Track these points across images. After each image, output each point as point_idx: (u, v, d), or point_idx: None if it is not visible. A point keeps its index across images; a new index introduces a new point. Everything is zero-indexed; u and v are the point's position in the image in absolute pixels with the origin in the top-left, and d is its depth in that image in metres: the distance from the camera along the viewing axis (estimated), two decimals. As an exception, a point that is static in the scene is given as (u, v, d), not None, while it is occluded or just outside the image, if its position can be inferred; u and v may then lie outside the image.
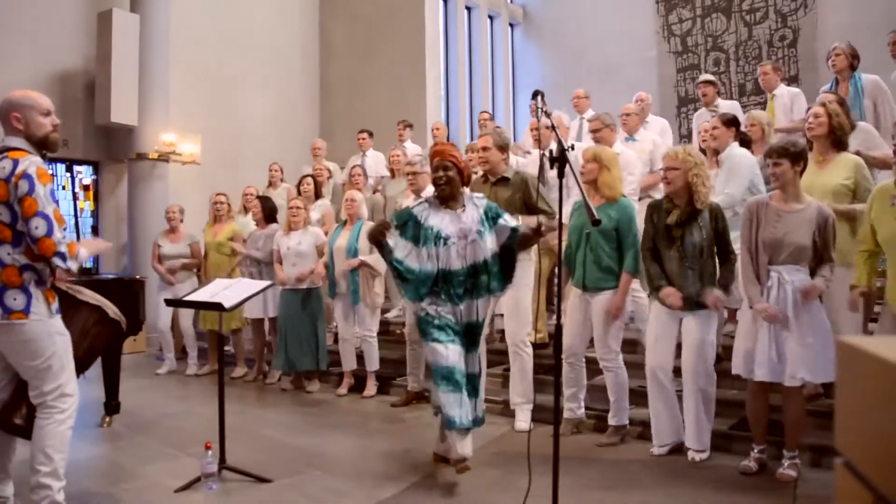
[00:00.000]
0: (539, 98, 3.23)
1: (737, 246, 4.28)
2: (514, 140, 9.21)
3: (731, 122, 5.13)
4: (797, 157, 3.86)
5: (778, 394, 3.98)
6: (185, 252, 7.60)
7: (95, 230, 10.06)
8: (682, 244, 4.24)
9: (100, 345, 4.76)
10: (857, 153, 4.49)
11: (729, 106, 7.19)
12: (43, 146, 3.30)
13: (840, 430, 0.76)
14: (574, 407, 4.91)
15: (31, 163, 3.12)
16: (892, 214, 3.47)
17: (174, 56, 9.84)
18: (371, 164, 8.93)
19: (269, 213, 7.27)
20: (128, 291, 5.59)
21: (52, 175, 3.25)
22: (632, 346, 5.50)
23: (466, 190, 4.21)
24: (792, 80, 10.53)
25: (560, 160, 2.92)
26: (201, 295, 4.48)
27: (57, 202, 3.23)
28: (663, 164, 4.38)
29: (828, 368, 3.76)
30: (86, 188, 10.03)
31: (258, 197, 7.54)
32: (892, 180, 3.60)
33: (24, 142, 3.22)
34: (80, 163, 9.83)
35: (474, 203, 4.05)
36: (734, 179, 4.89)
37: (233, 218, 7.76)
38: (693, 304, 4.23)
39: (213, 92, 10.86)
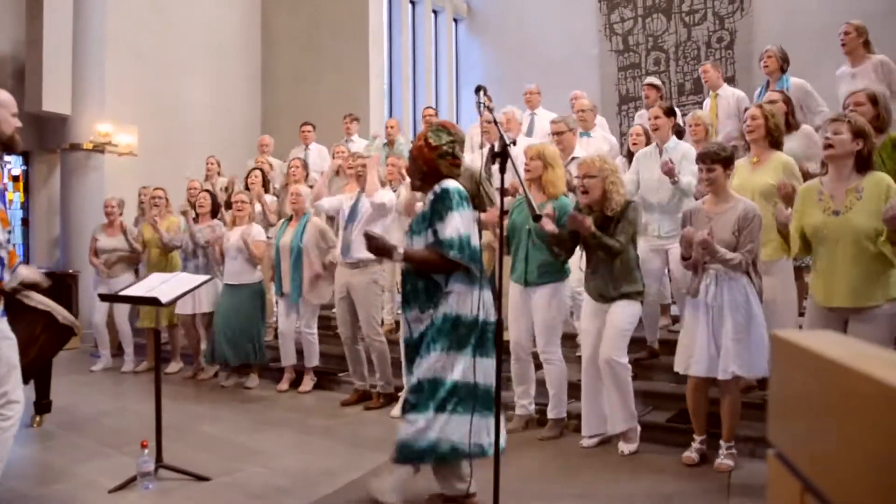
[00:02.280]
0: (481, 93, 3.22)
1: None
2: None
3: (671, 111, 5.31)
4: (728, 162, 4.03)
5: (716, 387, 4.09)
6: (122, 246, 7.41)
7: (26, 223, 9.72)
8: (595, 250, 4.35)
9: (48, 352, 4.60)
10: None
11: None
12: (7, 146, 3.19)
13: (772, 421, 0.77)
14: (526, 403, 4.94)
15: None
16: (819, 208, 3.56)
17: (110, 42, 9.53)
18: (314, 157, 8.80)
19: (215, 208, 7.13)
20: (60, 286, 5.41)
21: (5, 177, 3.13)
22: (571, 341, 5.60)
23: (448, 181, 3.41)
24: (729, 81, 10.78)
25: (502, 155, 2.92)
26: (137, 290, 4.36)
27: (5, 205, 3.11)
28: (579, 173, 4.40)
29: (760, 364, 3.89)
30: (15, 179, 9.67)
31: (206, 190, 7.34)
32: (817, 180, 3.68)
33: None
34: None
35: (430, 196, 3.42)
36: (691, 166, 4.97)
37: (171, 212, 7.56)
38: (612, 298, 4.35)
39: (152, 81, 10.56)
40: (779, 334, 0.75)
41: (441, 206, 3.29)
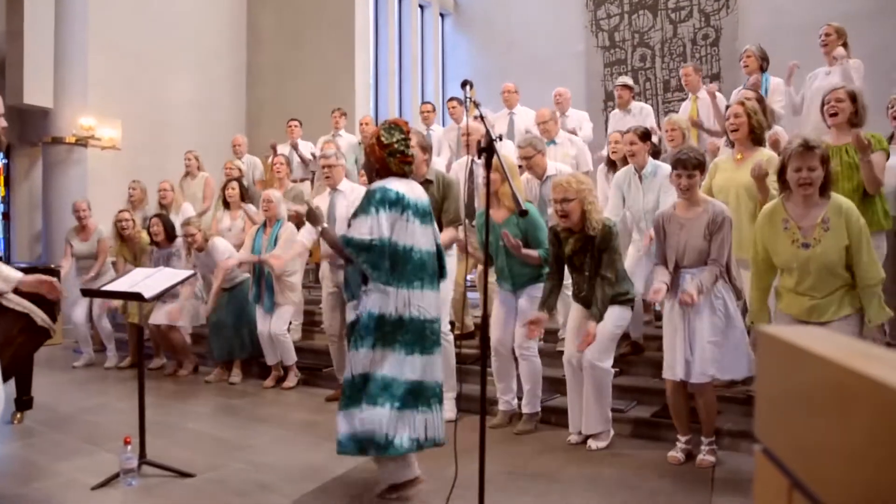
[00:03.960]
0: (468, 87, 3.21)
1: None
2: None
3: (645, 135, 5.24)
4: (703, 166, 4.06)
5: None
6: (96, 251, 7.35)
7: (7, 217, 9.61)
8: (580, 270, 4.39)
9: (25, 353, 4.55)
10: None
11: (640, 108, 7.40)
12: None
13: (759, 417, 0.77)
14: (509, 399, 4.97)
15: None
16: (787, 239, 3.50)
17: (93, 35, 9.43)
18: (301, 151, 8.80)
19: (170, 231, 6.98)
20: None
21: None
22: (553, 336, 5.63)
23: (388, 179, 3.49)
24: (714, 78, 10.86)
25: (488, 150, 2.91)
26: (120, 285, 4.32)
27: None
28: (554, 196, 4.33)
29: (736, 366, 3.92)
30: (-5, 173, 9.56)
31: (157, 215, 7.10)
32: (780, 203, 3.57)
33: None
34: (-12, 146, 9.35)
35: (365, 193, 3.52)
36: (670, 194, 4.95)
37: (139, 232, 7.34)
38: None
39: (135, 74, 10.46)
40: (766, 329, 0.74)
41: (360, 206, 3.38)
